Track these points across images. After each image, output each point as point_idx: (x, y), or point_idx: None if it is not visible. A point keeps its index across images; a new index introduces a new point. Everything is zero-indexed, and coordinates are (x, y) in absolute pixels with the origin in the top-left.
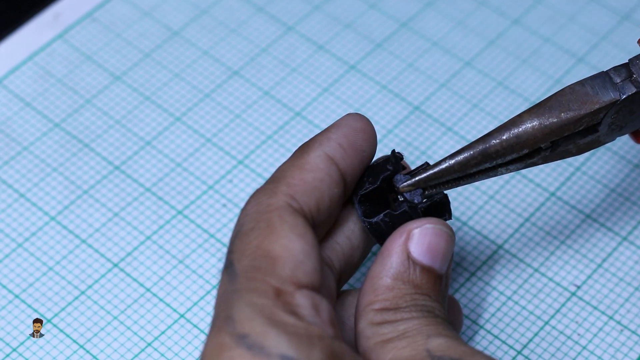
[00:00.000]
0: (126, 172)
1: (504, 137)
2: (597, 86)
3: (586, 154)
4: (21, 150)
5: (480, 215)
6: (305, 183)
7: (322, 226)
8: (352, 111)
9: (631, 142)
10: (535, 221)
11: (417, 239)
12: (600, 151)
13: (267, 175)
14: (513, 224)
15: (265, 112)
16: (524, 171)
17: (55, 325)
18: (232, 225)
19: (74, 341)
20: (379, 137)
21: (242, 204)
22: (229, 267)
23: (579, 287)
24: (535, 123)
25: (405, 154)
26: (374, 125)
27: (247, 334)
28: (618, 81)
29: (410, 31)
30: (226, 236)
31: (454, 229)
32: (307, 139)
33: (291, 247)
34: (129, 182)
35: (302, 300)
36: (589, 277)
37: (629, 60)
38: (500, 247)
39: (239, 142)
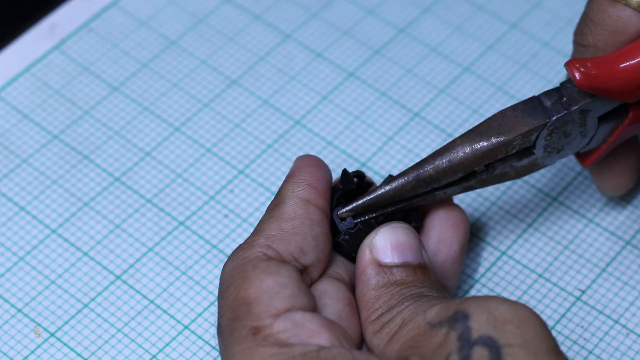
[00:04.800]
0: (126, 183)
1: (437, 163)
2: (528, 110)
3: None
4: (20, 162)
5: (483, 221)
6: (283, 232)
7: (319, 262)
8: (351, 119)
9: None
10: (538, 226)
11: (380, 245)
12: None
13: (269, 185)
14: (516, 230)
15: (265, 120)
16: (525, 177)
17: (58, 339)
18: (234, 235)
19: (78, 354)
20: (379, 144)
21: (243, 214)
22: (218, 328)
23: (583, 292)
24: (467, 148)
25: (406, 161)
26: (374, 133)
27: None
28: (548, 104)
29: (408, 37)
30: (229, 247)
31: None
32: (307, 147)
33: (264, 285)
34: (130, 193)
35: (282, 325)
36: (594, 281)
37: (560, 84)
38: (503, 253)
39: (239, 152)
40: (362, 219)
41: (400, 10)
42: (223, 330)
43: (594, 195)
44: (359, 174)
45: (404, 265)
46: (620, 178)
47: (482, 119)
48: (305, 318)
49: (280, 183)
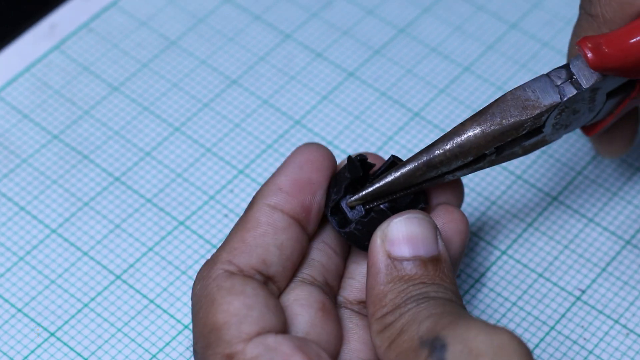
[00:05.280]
0: (126, 183)
1: (447, 147)
2: (538, 90)
3: (587, 158)
4: (20, 162)
5: (483, 221)
6: (244, 244)
7: (285, 271)
8: (351, 119)
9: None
10: (539, 226)
11: (392, 237)
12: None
13: None
14: (516, 229)
15: (265, 120)
16: (526, 176)
17: (58, 339)
18: None
19: (78, 354)
20: (379, 144)
21: None
22: (194, 355)
23: (583, 292)
24: (477, 131)
25: None
26: (374, 133)
27: None
28: (559, 83)
29: (408, 37)
30: None
31: None
32: None
33: (231, 309)
34: (130, 193)
35: (255, 351)
36: (594, 281)
37: (569, 60)
38: (504, 252)
39: (239, 152)
40: (372, 205)
41: (400, 10)
42: (198, 358)
43: (594, 195)
44: (362, 158)
45: (414, 259)
46: (618, 143)
47: None
48: (277, 341)
49: None
